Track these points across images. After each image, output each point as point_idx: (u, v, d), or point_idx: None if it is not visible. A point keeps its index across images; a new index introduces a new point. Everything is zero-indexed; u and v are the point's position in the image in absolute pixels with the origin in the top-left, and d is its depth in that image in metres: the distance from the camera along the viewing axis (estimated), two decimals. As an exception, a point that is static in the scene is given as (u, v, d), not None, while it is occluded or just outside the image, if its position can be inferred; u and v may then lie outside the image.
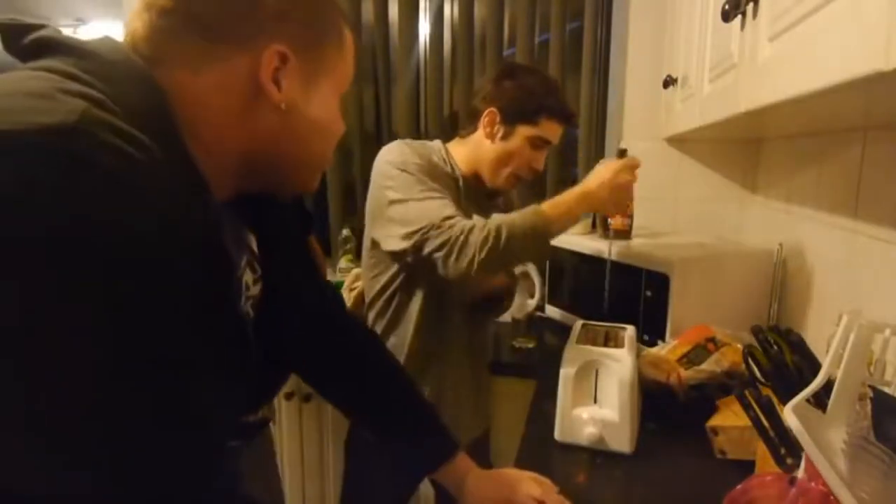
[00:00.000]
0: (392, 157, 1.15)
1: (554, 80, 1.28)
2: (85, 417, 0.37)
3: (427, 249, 1.04)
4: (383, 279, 1.23)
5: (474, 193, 1.26)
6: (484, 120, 1.22)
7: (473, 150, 1.25)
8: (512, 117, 1.21)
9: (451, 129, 2.05)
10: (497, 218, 1.06)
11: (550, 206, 1.09)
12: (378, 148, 1.17)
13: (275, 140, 0.56)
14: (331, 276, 1.93)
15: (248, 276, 0.65)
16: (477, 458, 1.33)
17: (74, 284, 0.36)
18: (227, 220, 0.58)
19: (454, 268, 1.02)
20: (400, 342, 1.23)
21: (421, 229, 1.04)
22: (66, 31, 0.48)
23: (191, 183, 0.48)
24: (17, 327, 0.35)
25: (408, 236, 1.06)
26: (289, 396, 1.69)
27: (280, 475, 1.46)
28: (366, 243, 1.26)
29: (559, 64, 1.90)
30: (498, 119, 1.21)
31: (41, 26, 0.48)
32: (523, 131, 1.21)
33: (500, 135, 1.22)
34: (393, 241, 1.10)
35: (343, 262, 2.08)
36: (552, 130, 1.22)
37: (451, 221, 1.04)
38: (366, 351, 0.90)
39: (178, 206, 0.43)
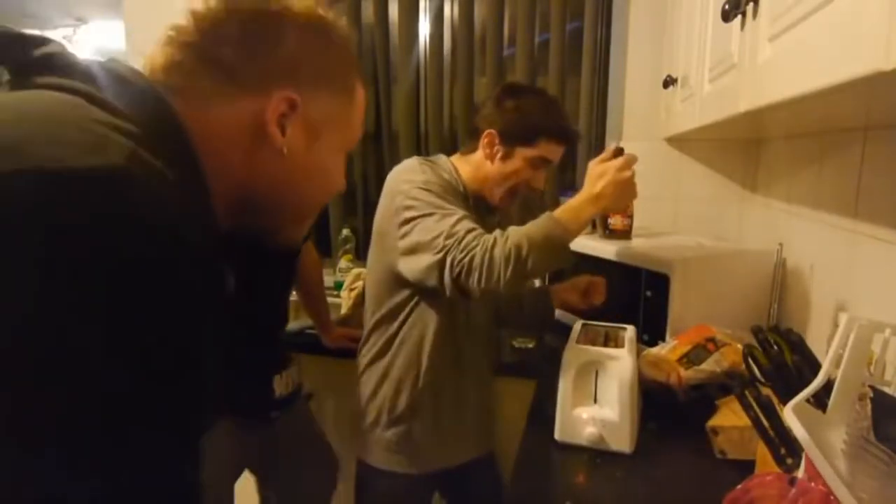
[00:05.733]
0: (413, 177, 1.14)
1: (555, 101, 1.27)
2: (88, 416, 0.37)
3: (454, 270, 1.02)
4: (397, 299, 1.20)
5: (477, 211, 1.26)
6: (483, 141, 1.22)
7: (475, 169, 1.25)
8: (510, 139, 1.21)
9: (450, 140, 2.05)
10: (515, 232, 1.03)
11: (562, 211, 1.07)
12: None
13: (271, 182, 0.58)
14: (331, 277, 1.93)
15: None
16: (484, 476, 1.34)
17: (119, 321, 0.37)
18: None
19: (482, 288, 1.01)
20: (411, 363, 1.22)
21: (445, 245, 1.03)
22: (66, 31, 0.48)
23: (208, 218, 0.50)
24: (60, 349, 0.35)
25: (435, 251, 1.04)
26: (289, 396, 1.68)
27: (325, 434, 1.53)
28: (373, 259, 1.24)
29: (559, 64, 1.90)
30: (497, 141, 1.22)
31: (44, 39, 0.48)
32: (522, 152, 1.21)
33: (499, 156, 1.22)
34: (417, 260, 1.08)
35: (343, 263, 2.08)
36: (552, 151, 1.23)
37: (474, 234, 1.03)
38: None
39: (204, 247, 0.44)
